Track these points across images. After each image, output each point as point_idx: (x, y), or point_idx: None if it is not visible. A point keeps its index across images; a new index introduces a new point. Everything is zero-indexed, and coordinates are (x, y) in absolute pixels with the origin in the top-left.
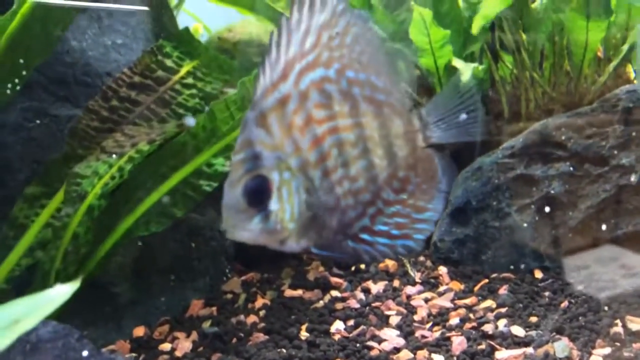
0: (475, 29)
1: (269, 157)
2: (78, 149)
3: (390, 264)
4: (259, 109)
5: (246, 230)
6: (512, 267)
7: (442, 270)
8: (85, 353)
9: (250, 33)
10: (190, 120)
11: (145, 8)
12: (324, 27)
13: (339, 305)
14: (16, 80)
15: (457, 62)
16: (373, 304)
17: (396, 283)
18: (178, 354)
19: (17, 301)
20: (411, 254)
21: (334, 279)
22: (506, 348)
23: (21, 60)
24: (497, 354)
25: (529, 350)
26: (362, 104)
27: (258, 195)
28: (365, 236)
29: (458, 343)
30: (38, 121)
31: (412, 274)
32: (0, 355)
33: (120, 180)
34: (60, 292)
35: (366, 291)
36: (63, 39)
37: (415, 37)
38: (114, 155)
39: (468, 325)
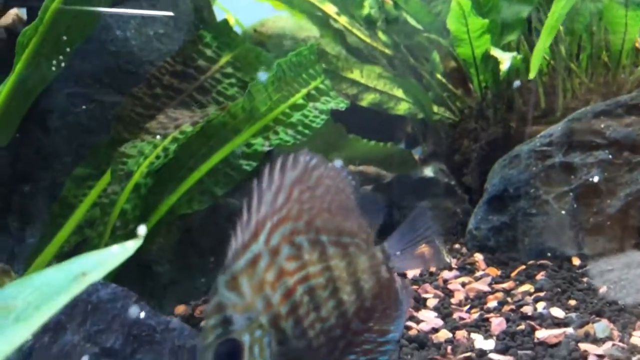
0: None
1: (239, 320)
2: (123, 133)
3: (425, 249)
4: (230, 272)
5: None
6: (549, 254)
7: (478, 257)
8: (142, 314)
9: (283, 27)
10: None
11: None
12: (295, 183)
13: None
14: (60, 57)
15: (495, 52)
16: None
17: (432, 268)
18: None
19: (83, 256)
20: None
21: None
22: (546, 328)
23: (64, 37)
24: (538, 334)
25: (569, 330)
26: (330, 248)
27: None
28: None
29: (497, 323)
30: (84, 106)
31: (447, 260)
32: (63, 312)
33: (165, 160)
34: (123, 249)
35: (402, 275)
36: (108, 28)
37: (453, 26)
38: (157, 137)
39: (506, 307)
